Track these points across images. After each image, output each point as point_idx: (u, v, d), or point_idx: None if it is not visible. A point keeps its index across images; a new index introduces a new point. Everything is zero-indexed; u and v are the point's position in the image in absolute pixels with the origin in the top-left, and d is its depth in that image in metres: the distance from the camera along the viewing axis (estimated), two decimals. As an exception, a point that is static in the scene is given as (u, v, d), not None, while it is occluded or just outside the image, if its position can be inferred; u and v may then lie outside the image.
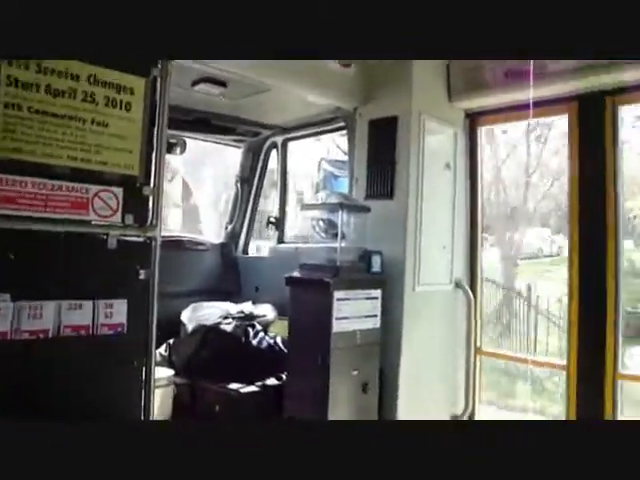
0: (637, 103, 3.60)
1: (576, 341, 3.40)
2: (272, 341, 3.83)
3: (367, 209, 3.43)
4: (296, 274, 3.36)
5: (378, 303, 3.35)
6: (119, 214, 2.35)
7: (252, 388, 3.48)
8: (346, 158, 4.06)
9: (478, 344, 3.92)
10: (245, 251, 4.96)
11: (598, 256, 3.36)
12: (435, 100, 3.74)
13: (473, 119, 3.99)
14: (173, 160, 7.88)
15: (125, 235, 2.38)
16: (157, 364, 2.90)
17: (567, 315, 3.51)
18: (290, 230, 4.85)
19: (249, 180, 4.91)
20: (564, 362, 3.48)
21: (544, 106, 3.74)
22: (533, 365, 4.20)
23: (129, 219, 2.37)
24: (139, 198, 2.41)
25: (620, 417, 3.28)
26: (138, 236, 2.42)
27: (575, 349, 3.41)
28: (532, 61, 3.43)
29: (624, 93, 3.39)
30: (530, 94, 3.58)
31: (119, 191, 2.35)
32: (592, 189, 3.43)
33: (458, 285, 3.82)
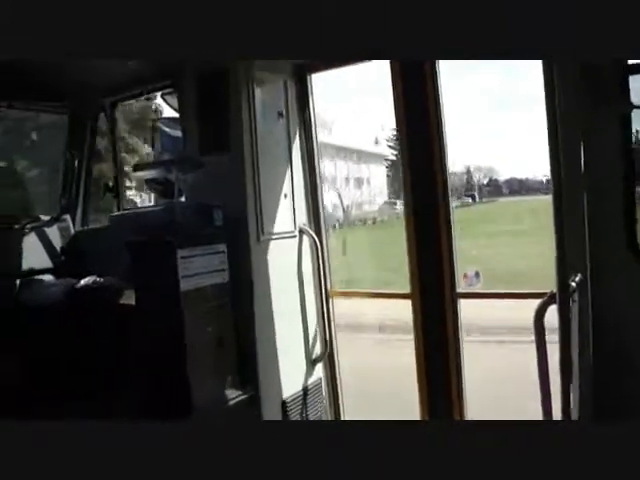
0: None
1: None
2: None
3: (202, 164, 3.37)
4: (136, 238, 3.26)
5: (225, 257, 3.33)
6: None
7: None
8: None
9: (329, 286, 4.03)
10: (85, 223, 4.68)
11: None
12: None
13: (302, 66, 3.98)
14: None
15: None
16: None
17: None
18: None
19: (80, 146, 4.59)
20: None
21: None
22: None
23: None
24: None
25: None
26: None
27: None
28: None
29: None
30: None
31: None
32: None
33: (302, 231, 3.88)
